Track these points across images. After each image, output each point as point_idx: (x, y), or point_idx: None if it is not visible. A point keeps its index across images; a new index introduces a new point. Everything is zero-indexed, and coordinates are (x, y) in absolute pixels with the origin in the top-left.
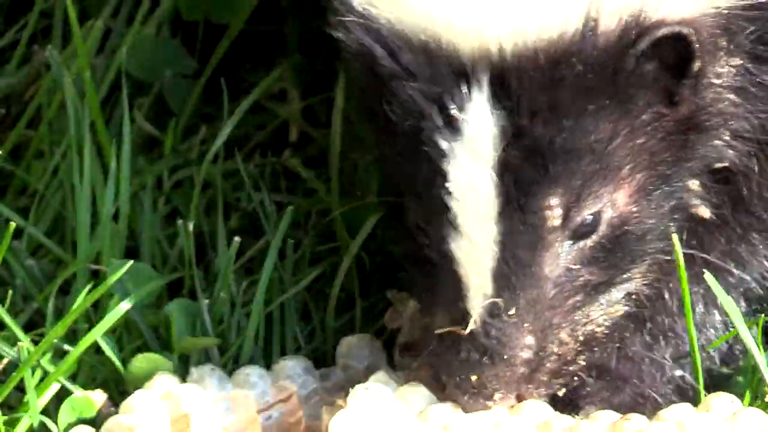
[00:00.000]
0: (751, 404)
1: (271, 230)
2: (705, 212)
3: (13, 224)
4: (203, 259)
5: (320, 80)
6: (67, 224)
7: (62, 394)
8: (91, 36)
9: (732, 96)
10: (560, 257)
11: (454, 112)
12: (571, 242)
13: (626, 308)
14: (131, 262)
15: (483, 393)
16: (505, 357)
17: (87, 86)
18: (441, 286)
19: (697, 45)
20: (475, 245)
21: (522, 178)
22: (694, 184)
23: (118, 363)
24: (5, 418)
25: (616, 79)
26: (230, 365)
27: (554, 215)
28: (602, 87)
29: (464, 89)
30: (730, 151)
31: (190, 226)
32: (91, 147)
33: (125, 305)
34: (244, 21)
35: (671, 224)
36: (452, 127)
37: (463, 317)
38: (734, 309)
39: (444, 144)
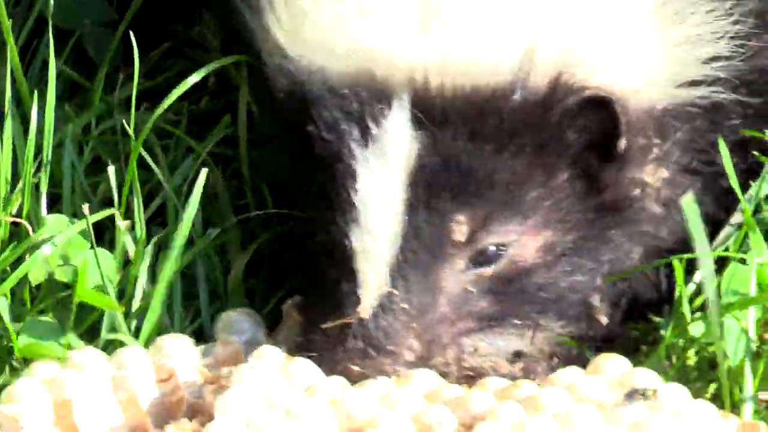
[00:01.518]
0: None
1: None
2: (602, 318)
3: None
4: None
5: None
6: None
7: None
8: None
9: (658, 206)
10: (459, 274)
11: (371, 124)
12: (472, 264)
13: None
14: (50, 216)
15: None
16: (389, 350)
17: (6, 34)
18: (335, 283)
19: (623, 119)
20: (375, 240)
21: (432, 189)
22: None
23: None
24: None
25: (538, 134)
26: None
27: (459, 231)
28: (522, 136)
29: (384, 106)
30: (635, 256)
31: (112, 177)
32: (11, 94)
33: (42, 258)
34: None
35: (575, 298)
36: (368, 135)
37: (355, 308)
38: None
39: (358, 151)
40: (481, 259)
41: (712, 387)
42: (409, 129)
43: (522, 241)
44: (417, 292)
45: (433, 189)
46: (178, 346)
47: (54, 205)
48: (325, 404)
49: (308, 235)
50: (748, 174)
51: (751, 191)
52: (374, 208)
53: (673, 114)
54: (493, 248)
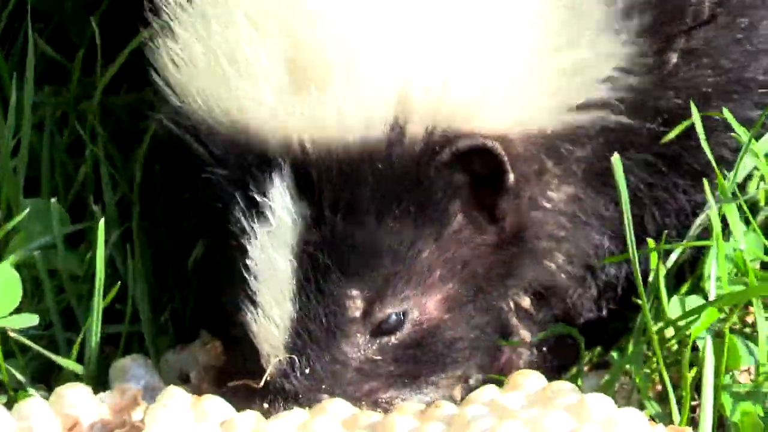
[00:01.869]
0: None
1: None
2: (526, 335)
3: None
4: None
5: None
6: None
7: None
8: None
9: (565, 221)
10: (360, 347)
11: (256, 195)
12: (374, 336)
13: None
14: (24, 199)
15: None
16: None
17: None
18: (240, 343)
19: (506, 158)
20: (269, 319)
21: (320, 265)
22: (525, 301)
23: None
24: None
25: (422, 188)
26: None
27: (353, 306)
28: (406, 193)
29: (267, 176)
30: (563, 275)
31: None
32: None
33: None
34: None
35: (487, 337)
36: (255, 210)
37: (259, 375)
38: None
39: (246, 225)
40: (382, 329)
41: (694, 371)
42: (291, 199)
43: (423, 303)
44: (318, 362)
45: (321, 264)
46: (79, 395)
47: (33, 189)
48: None
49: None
50: (656, 189)
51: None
52: (265, 285)
53: (565, 137)
54: (393, 317)
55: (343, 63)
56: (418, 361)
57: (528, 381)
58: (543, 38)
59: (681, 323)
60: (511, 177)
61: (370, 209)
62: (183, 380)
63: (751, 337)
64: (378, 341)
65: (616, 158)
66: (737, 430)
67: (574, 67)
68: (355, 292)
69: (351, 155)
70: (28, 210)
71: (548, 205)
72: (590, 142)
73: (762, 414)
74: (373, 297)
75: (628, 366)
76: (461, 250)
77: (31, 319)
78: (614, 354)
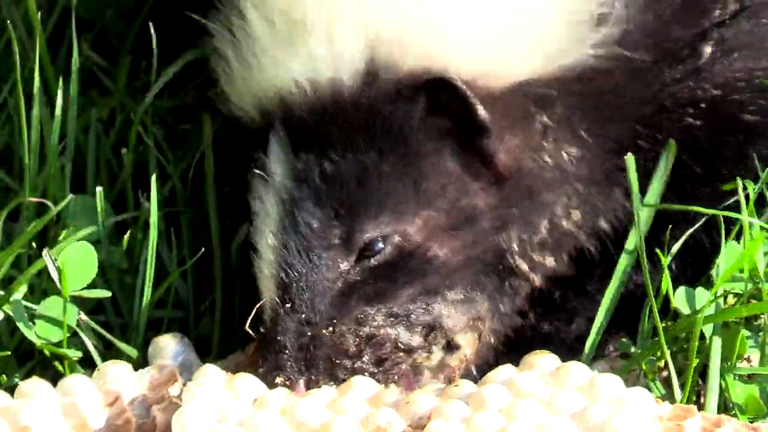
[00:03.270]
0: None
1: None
2: (535, 279)
3: None
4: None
5: None
6: (16, 157)
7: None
8: None
9: (569, 177)
10: (342, 269)
11: (257, 153)
12: (356, 258)
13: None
14: (71, 196)
15: (272, 377)
16: (286, 345)
17: (34, 24)
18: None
19: (470, 93)
20: (263, 259)
21: (302, 202)
22: (548, 260)
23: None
24: None
25: (398, 127)
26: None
27: (333, 234)
28: (383, 132)
29: (265, 134)
30: (579, 233)
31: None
32: (39, 81)
33: (71, 238)
34: None
35: (475, 266)
36: (259, 166)
37: (260, 327)
38: None
39: (252, 182)
40: (364, 253)
41: (700, 358)
42: (282, 150)
43: (404, 229)
44: (299, 298)
45: (302, 202)
46: (121, 372)
47: (80, 187)
48: (276, 414)
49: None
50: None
51: None
52: (260, 233)
53: (553, 85)
54: (376, 241)
55: (320, 7)
56: (402, 281)
57: (542, 361)
58: None
59: (688, 313)
60: (482, 112)
61: (347, 148)
62: None
63: (754, 327)
64: (361, 263)
65: (629, 158)
66: (741, 411)
67: (562, 18)
68: (334, 221)
69: (328, 99)
70: (74, 205)
71: (545, 157)
72: (584, 89)
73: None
74: (352, 225)
75: (636, 351)
76: (448, 185)
77: (103, 293)
78: (624, 340)
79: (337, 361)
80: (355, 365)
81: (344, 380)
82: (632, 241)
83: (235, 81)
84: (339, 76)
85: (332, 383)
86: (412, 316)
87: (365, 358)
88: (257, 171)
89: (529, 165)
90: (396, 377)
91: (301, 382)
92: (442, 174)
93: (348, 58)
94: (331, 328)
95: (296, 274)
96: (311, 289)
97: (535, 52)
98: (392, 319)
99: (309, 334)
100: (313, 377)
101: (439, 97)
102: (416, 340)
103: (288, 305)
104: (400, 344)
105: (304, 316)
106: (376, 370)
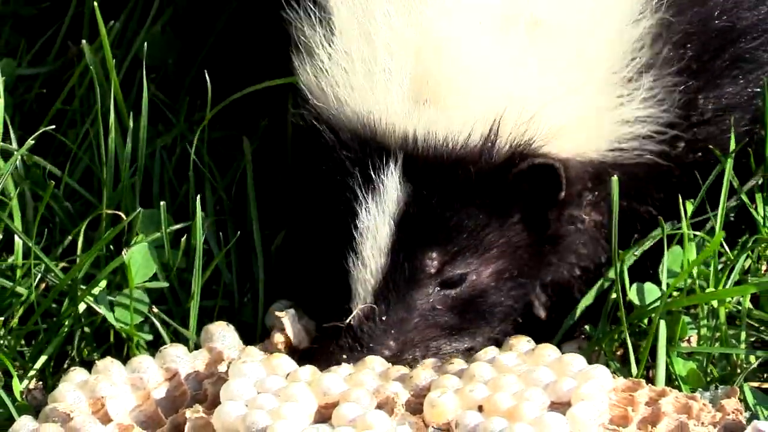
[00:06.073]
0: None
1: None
2: (541, 313)
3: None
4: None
5: None
6: (95, 177)
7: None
8: (111, 33)
9: (588, 241)
10: (430, 296)
11: (372, 173)
12: (440, 289)
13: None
14: (140, 209)
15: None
16: (371, 348)
17: (110, 70)
18: (333, 294)
19: (565, 178)
20: (367, 267)
21: (413, 231)
22: (540, 293)
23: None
24: (45, 326)
25: (499, 187)
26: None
27: (432, 265)
28: (487, 188)
29: (383, 161)
30: (575, 283)
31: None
32: (114, 116)
33: (141, 243)
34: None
35: (515, 310)
36: (369, 184)
37: (346, 317)
38: None
39: (360, 194)
40: (448, 284)
41: (650, 339)
42: (399, 181)
43: (480, 270)
44: (395, 307)
45: (413, 230)
46: (178, 353)
47: (147, 201)
48: (304, 386)
49: (313, 251)
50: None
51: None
52: (368, 241)
53: (605, 168)
54: (457, 276)
55: (455, 83)
56: (466, 315)
57: (520, 344)
58: (605, 89)
59: (641, 304)
60: (563, 194)
61: (457, 197)
62: None
63: (693, 314)
64: (443, 293)
65: (614, 179)
66: (684, 382)
67: (621, 119)
68: (434, 255)
69: (450, 158)
70: (142, 216)
71: (581, 223)
72: (626, 173)
73: (701, 370)
74: (447, 259)
75: (598, 335)
76: (513, 239)
77: (162, 284)
78: (588, 327)
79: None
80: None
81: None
82: (612, 272)
83: (348, 107)
84: (463, 137)
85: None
86: (466, 345)
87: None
88: (368, 186)
89: (568, 231)
90: None
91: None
92: (515, 232)
93: (473, 125)
94: (410, 352)
95: (396, 289)
96: (406, 304)
97: (601, 142)
98: (453, 348)
99: (392, 344)
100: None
101: (536, 173)
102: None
103: (383, 312)
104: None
105: (394, 326)
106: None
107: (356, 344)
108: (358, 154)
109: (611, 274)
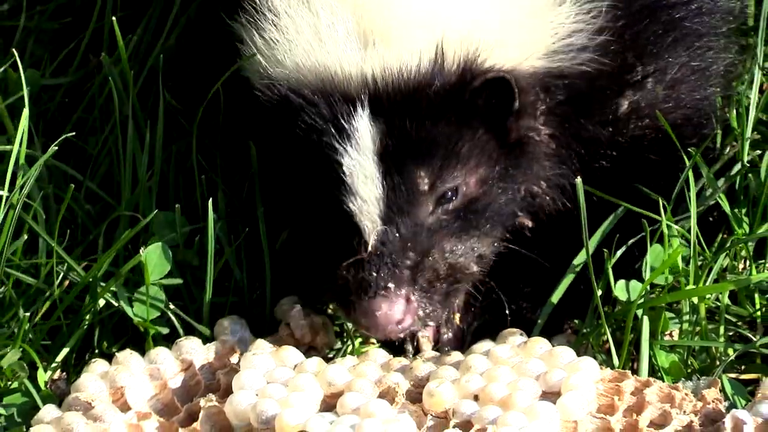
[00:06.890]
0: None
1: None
2: (527, 223)
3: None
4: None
5: None
6: (114, 181)
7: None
8: (129, 46)
9: (547, 151)
10: (430, 210)
11: (344, 122)
12: (439, 203)
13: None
14: (156, 211)
15: (379, 289)
16: (395, 262)
17: (128, 80)
18: (343, 238)
19: (516, 88)
20: (366, 201)
21: (395, 159)
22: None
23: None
24: (67, 321)
25: (458, 105)
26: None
27: (423, 183)
28: (450, 106)
29: (350, 108)
30: (546, 201)
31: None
32: (132, 123)
33: (157, 243)
34: None
35: (507, 215)
36: (344, 132)
37: (363, 248)
38: None
39: (338, 144)
40: (444, 199)
41: (632, 334)
42: (370, 122)
43: (468, 181)
44: (403, 224)
45: (396, 158)
46: (193, 345)
47: (163, 203)
48: (311, 377)
49: (314, 217)
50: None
51: None
52: (359, 179)
53: (552, 76)
54: (450, 191)
55: (397, 18)
56: (467, 220)
57: (513, 337)
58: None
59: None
60: (517, 103)
61: (425, 121)
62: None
63: (675, 310)
64: (442, 207)
65: (578, 181)
66: (666, 374)
67: (556, 23)
68: (423, 173)
69: (407, 83)
70: (158, 217)
71: (539, 131)
72: (569, 82)
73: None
74: (436, 176)
75: (585, 329)
76: (487, 149)
77: (176, 280)
78: (577, 321)
79: (430, 281)
80: (440, 286)
81: (431, 296)
82: (581, 257)
83: (300, 66)
84: (414, 67)
85: (425, 299)
86: (474, 248)
87: (446, 283)
88: (344, 134)
89: (529, 138)
90: (452, 308)
91: (403, 293)
92: (484, 142)
93: (421, 55)
94: (428, 257)
95: (399, 210)
96: (413, 220)
97: (546, 49)
98: (465, 250)
99: (412, 255)
100: (413, 293)
101: (489, 86)
102: (473, 268)
103: (395, 230)
104: (466, 271)
105: (408, 239)
106: (450, 290)
107: (382, 262)
108: (325, 109)
109: (579, 260)
